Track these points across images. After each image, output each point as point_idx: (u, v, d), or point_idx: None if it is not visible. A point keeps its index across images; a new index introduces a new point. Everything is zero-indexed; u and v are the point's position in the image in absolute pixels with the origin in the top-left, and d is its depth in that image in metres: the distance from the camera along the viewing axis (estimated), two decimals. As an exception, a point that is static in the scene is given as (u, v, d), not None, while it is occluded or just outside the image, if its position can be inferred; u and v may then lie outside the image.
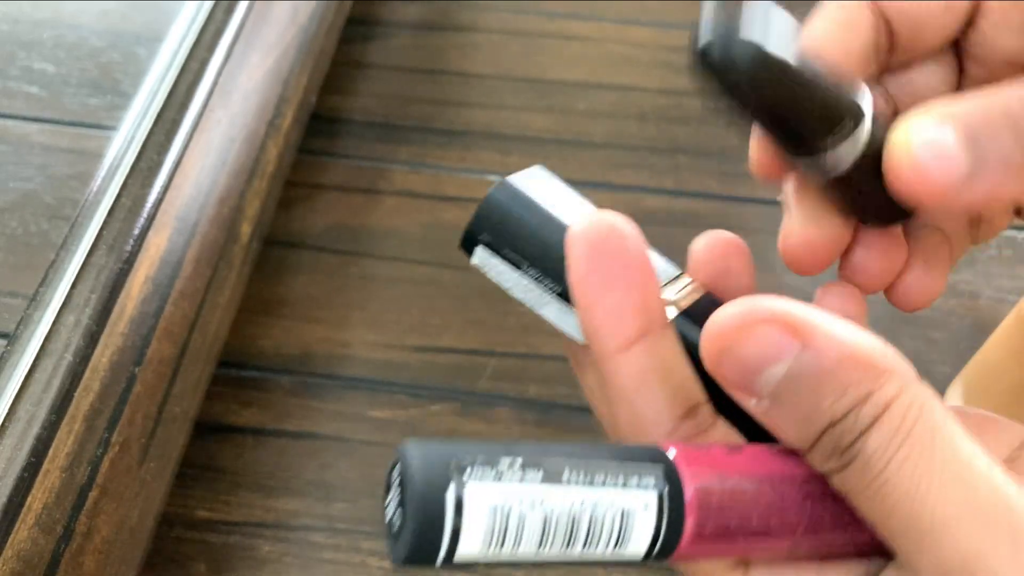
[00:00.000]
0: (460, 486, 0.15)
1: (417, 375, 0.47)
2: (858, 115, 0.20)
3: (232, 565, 0.41)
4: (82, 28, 0.44)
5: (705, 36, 0.20)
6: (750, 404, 0.18)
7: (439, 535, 0.15)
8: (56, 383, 0.32)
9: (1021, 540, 0.16)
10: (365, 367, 0.47)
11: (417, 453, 0.15)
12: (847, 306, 0.22)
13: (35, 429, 0.31)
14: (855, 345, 0.17)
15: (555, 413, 0.46)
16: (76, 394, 0.33)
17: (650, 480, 0.17)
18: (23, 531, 0.30)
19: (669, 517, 0.17)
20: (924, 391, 0.17)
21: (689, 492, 0.17)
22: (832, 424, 0.17)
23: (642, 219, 0.20)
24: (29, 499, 0.30)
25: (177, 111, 0.41)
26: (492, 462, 0.16)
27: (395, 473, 0.16)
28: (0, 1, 0.45)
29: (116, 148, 0.39)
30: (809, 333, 0.17)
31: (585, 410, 0.46)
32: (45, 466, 0.31)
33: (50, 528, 0.31)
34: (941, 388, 0.45)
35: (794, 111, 0.19)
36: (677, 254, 0.23)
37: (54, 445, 0.32)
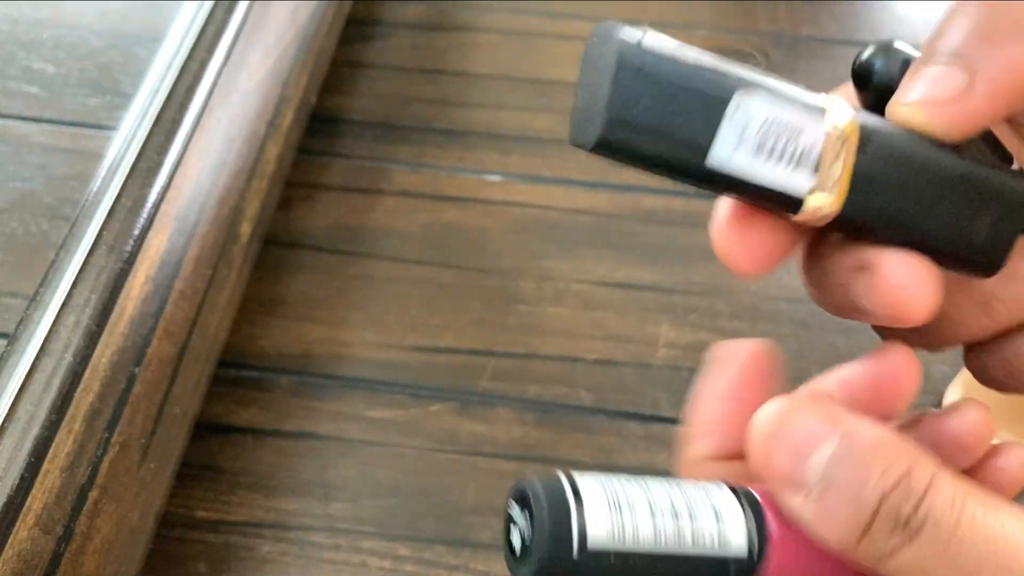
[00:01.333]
0: (573, 481, 0.17)
1: (417, 375, 0.47)
2: None
3: (232, 565, 0.41)
4: (82, 28, 0.44)
5: (869, 50, 0.21)
6: (798, 502, 0.18)
7: (567, 523, 0.17)
8: (56, 383, 0.32)
9: None
10: (365, 367, 0.47)
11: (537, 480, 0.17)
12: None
13: (35, 429, 0.31)
14: (886, 434, 0.18)
15: (555, 413, 0.46)
16: (76, 394, 0.33)
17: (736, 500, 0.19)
18: (23, 531, 0.30)
19: (757, 521, 0.18)
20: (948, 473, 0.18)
21: (770, 521, 0.19)
22: (885, 496, 0.17)
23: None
24: (29, 499, 0.30)
25: (177, 111, 0.41)
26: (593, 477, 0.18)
27: (516, 505, 0.18)
28: (0, 1, 0.45)
29: (116, 148, 0.39)
30: (843, 421, 0.18)
31: (585, 410, 0.46)
32: (45, 466, 0.31)
33: (50, 528, 0.31)
34: (940, 388, 0.45)
35: None
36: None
37: (54, 445, 0.32)
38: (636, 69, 0.17)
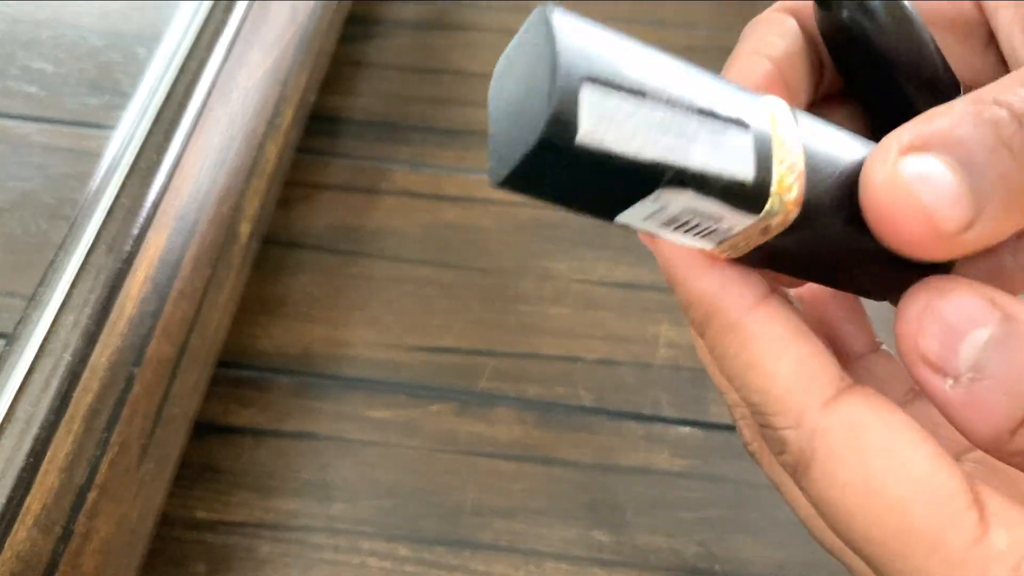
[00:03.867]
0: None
1: (417, 375, 0.47)
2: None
3: (231, 566, 0.41)
4: (81, 28, 0.44)
5: None
6: (946, 387, 0.16)
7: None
8: (55, 383, 0.32)
9: None
10: (365, 367, 0.47)
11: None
12: None
13: (34, 429, 0.31)
14: None
15: (555, 413, 0.46)
16: (75, 394, 0.33)
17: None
18: (22, 532, 0.30)
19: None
20: None
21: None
22: None
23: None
24: (28, 500, 0.30)
25: (176, 110, 0.41)
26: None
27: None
28: (-1, 0, 0.45)
29: (115, 148, 0.39)
30: (1006, 304, 0.16)
31: (584, 410, 0.46)
32: (44, 466, 0.31)
33: (49, 529, 0.31)
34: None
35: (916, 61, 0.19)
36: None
37: (53, 445, 0.32)
38: (560, 150, 0.15)
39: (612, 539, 0.41)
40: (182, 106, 0.41)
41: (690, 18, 0.63)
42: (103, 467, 0.33)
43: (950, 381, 0.16)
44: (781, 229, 0.17)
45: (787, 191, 0.17)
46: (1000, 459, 0.16)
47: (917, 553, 0.16)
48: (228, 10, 0.45)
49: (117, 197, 0.37)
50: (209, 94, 0.42)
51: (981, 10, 0.21)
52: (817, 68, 0.22)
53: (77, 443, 0.32)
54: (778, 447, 0.18)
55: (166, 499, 0.40)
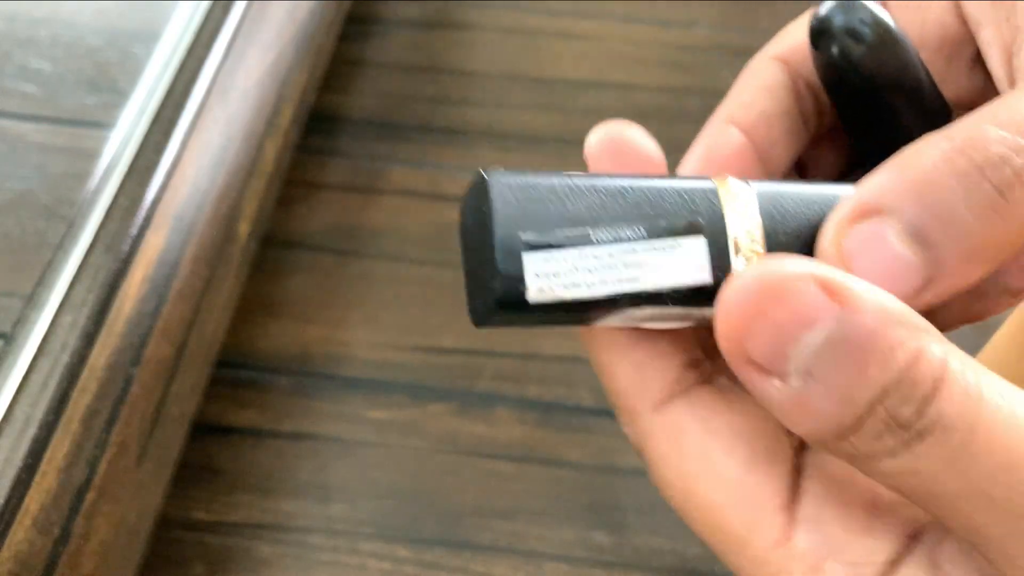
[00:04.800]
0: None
1: (416, 375, 0.47)
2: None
3: (230, 566, 0.41)
4: (79, 26, 0.44)
5: (827, 6, 0.19)
6: (771, 388, 0.15)
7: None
8: (53, 384, 0.32)
9: None
10: (364, 367, 0.47)
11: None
12: None
13: (32, 430, 0.31)
14: (892, 303, 0.15)
15: (555, 413, 0.45)
16: (73, 395, 0.32)
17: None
18: (20, 533, 0.30)
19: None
20: (962, 352, 0.15)
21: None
22: (884, 395, 0.14)
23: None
24: (26, 500, 0.30)
25: (174, 110, 0.40)
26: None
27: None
28: (-3, -1, 0.45)
29: (113, 147, 0.39)
30: (846, 294, 0.14)
31: (584, 410, 0.46)
32: (42, 467, 0.31)
33: (47, 529, 0.31)
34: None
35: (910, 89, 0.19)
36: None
37: (51, 446, 0.31)
38: (517, 305, 0.16)
39: (612, 540, 0.41)
40: (180, 105, 0.41)
41: (690, 18, 0.63)
42: (102, 468, 0.33)
43: (776, 382, 0.15)
44: None
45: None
46: (831, 453, 0.16)
47: (729, 551, 0.17)
48: (227, 9, 0.45)
49: (115, 197, 0.37)
50: (208, 93, 0.42)
51: (966, 29, 0.21)
52: (805, 118, 0.21)
53: (75, 444, 0.32)
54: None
55: (165, 500, 0.40)
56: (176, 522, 0.42)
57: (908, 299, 0.15)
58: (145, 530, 0.38)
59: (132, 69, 0.42)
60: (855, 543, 0.16)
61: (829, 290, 0.15)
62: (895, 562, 0.16)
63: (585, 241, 0.16)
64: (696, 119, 0.66)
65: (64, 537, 0.32)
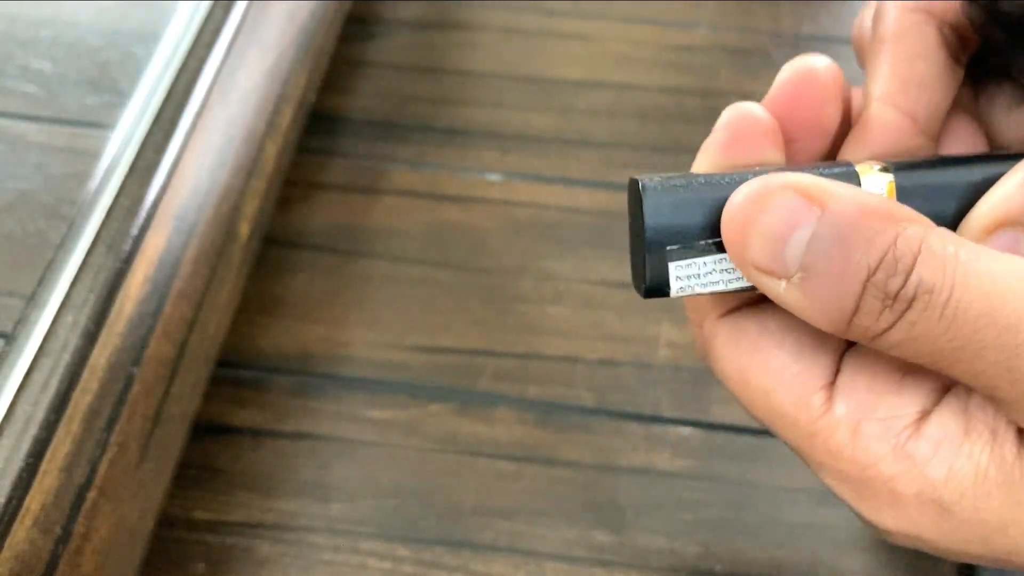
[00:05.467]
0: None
1: (417, 375, 0.47)
2: None
3: (231, 566, 0.41)
4: (80, 26, 0.44)
5: None
6: (780, 289, 0.17)
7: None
8: (54, 383, 0.32)
9: None
10: (364, 367, 0.47)
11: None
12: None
13: (33, 430, 0.31)
14: (869, 201, 0.17)
15: (555, 413, 0.45)
16: (74, 394, 0.33)
17: None
18: (21, 532, 0.30)
19: None
20: (944, 229, 0.17)
21: None
22: (871, 274, 0.16)
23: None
24: (27, 500, 0.30)
25: (175, 110, 0.40)
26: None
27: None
28: (-2, -1, 0.45)
29: (114, 147, 0.39)
30: (823, 196, 0.17)
31: (584, 410, 0.46)
32: (43, 467, 0.31)
33: (48, 529, 0.31)
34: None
35: None
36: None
37: (52, 446, 0.31)
38: (663, 294, 0.20)
39: (612, 540, 0.41)
40: (181, 105, 0.41)
41: (690, 18, 0.63)
42: (102, 467, 0.33)
43: (783, 282, 0.17)
44: None
45: None
46: (847, 339, 0.18)
47: (782, 429, 0.20)
48: (228, 9, 0.45)
49: (116, 197, 0.37)
50: (208, 93, 0.42)
51: None
52: (955, 67, 0.22)
53: (76, 443, 0.32)
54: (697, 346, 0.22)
55: (165, 499, 0.40)
56: (177, 521, 0.42)
57: None
58: (146, 530, 0.38)
59: (133, 69, 0.42)
60: (884, 402, 0.18)
61: (807, 195, 0.17)
62: (927, 412, 0.18)
63: (721, 248, 0.19)
64: (696, 119, 0.66)
65: (65, 537, 0.32)
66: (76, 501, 0.32)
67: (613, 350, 0.48)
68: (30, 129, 0.40)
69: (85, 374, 0.33)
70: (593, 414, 0.45)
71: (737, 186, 0.18)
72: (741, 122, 0.20)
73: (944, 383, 0.19)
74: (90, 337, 0.34)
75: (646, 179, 0.19)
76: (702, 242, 0.19)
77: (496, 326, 0.48)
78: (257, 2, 0.47)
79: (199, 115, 0.41)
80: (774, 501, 0.42)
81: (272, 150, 0.48)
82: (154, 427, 0.37)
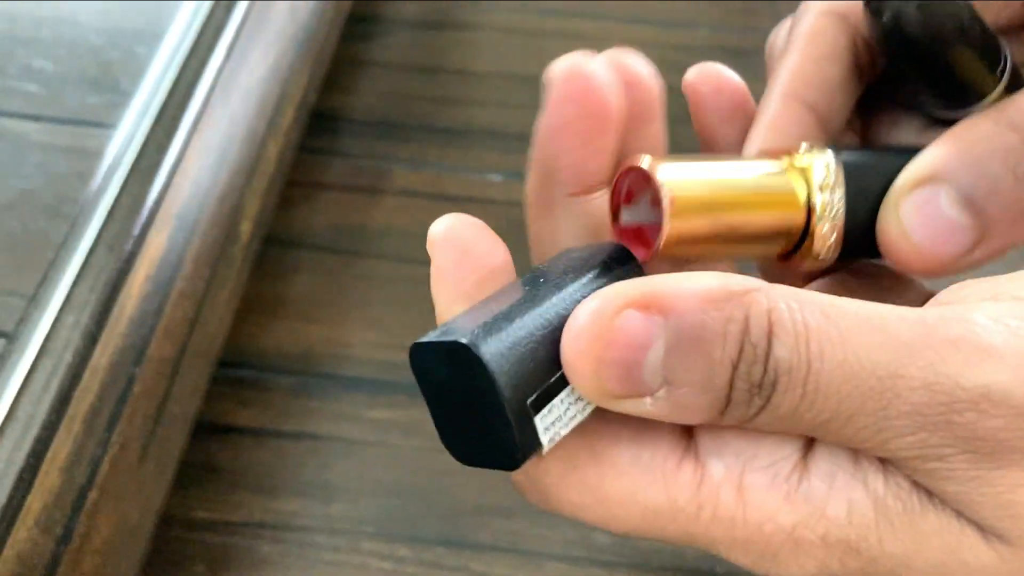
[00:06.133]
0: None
1: (417, 375, 0.47)
2: (1003, 55, 0.20)
3: (232, 566, 0.41)
4: (81, 26, 0.44)
5: None
6: (647, 406, 0.16)
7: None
8: (55, 383, 0.32)
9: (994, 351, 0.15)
10: (365, 367, 0.47)
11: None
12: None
13: (34, 429, 0.31)
14: (708, 286, 0.16)
15: (556, 413, 0.45)
16: (75, 394, 0.33)
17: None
18: (22, 532, 0.30)
19: None
20: (786, 288, 0.16)
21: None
22: (735, 367, 0.16)
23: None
24: (29, 500, 0.30)
25: (177, 109, 0.41)
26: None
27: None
28: (-1, -1, 0.45)
29: (116, 147, 0.39)
30: (661, 302, 0.16)
31: (586, 410, 0.46)
32: (44, 467, 0.31)
33: (49, 529, 0.31)
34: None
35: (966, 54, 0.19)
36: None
37: (53, 445, 0.31)
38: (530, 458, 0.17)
39: (612, 540, 0.41)
40: (183, 105, 0.41)
41: (690, 18, 0.63)
42: (104, 467, 0.33)
43: (648, 399, 0.16)
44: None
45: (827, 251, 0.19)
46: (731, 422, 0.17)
47: (668, 524, 0.17)
48: (229, 9, 0.45)
49: (118, 196, 0.37)
50: (210, 93, 0.42)
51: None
52: (860, 74, 0.22)
53: (78, 443, 0.32)
54: None
55: (166, 499, 0.40)
56: (178, 521, 0.42)
57: (961, 257, 0.18)
58: (147, 529, 0.38)
59: (135, 69, 0.42)
60: (763, 448, 0.17)
61: (645, 307, 0.16)
62: (810, 445, 0.17)
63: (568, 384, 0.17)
64: (697, 120, 0.65)
65: (66, 536, 0.32)
66: (77, 501, 0.32)
67: (614, 350, 0.48)
68: (32, 128, 0.40)
69: (87, 374, 0.33)
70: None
71: (558, 315, 0.17)
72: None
73: None
74: (92, 337, 0.34)
75: (461, 339, 0.16)
76: (551, 380, 0.17)
77: (497, 326, 0.48)
78: (259, 2, 0.47)
79: (201, 115, 0.41)
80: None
81: (273, 150, 0.48)
82: (155, 427, 0.37)
